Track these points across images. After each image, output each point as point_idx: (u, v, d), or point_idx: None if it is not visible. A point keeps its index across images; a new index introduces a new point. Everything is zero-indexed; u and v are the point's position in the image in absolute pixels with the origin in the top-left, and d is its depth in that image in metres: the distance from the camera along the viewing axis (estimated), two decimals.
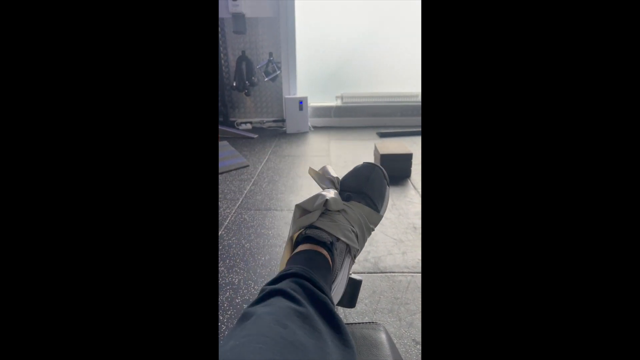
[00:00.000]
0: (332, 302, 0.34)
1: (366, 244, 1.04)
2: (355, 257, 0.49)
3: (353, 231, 0.47)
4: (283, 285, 0.33)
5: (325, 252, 0.42)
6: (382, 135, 2.23)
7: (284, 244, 0.48)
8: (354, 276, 0.53)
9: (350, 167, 1.70)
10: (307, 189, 1.42)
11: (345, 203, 0.48)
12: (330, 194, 0.46)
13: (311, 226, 0.45)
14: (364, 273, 0.91)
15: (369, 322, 0.40)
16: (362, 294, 0.83)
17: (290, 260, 0.41)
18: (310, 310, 0.31)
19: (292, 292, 0.32)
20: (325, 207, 0.45)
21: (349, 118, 2.46)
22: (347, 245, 0.46)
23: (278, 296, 0.32)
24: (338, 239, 0.45)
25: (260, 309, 0.29)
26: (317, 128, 2.42)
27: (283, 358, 0.24)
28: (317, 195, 0.45)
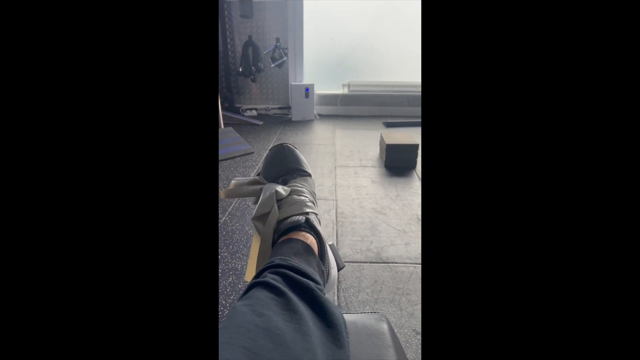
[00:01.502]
0: (317, 284, 0.34)
1: (369, 233, 1.04)
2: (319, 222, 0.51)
3: (310, 200, 0.49)
4: (264, 277, 0.33)
5: (302, 235, 0.42)
6: (389, 125, 2.20)
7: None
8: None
9: (355, 157, 1.68)
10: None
11: (288, 186, 0.49)
12: (270, 187, 0.47)
13: (279, 222, 0.45)
14: (366, 262, 0.91)
15: (372, 312, 0.40)
16: (364, 282, 0.84)
17: (271, 254, 0.42)
18: (290, 296, 0.31)
19: (272, 281, 0.32)
20: (276, 198, 0.46)
21: (355, 107, 2.43)
22: (315, 215, 0.47)
23: (258, 287, 0.32)
24: (307, 213, 0.45)
25: (239, 302, 0.30)
26: (322, 116, 2.40)
27: (255, 344, 0.24)
28: (264, 198, 0.45)
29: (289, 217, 0.44)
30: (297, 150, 0.56)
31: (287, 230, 0.43)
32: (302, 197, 0.47)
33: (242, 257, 0.93)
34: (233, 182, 0.52)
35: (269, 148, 0.56)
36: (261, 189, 0.49)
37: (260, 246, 0.45)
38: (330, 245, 0.52)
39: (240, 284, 0.83)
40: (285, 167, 0.53)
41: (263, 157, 0.57)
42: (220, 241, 1.00)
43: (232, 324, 0.26)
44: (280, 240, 0.43)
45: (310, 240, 0.42)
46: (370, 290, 0.82)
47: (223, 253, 0.94)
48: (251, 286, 0.32)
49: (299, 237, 0.42)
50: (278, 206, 0.45)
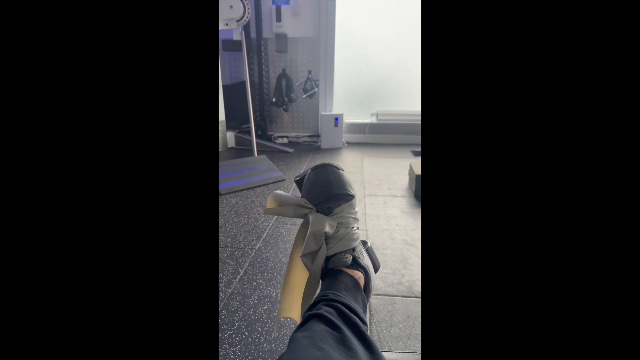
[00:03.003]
0: (365, 323, 0.37)
1: (401, 266, 1.05)
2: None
3: (355, 230, 0.49)
4: (318, 309, 0.36)
5: (349, 270, 0.45)
6: (417, 153, 2.21)
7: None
8: (363, 244, 0.53)
9: (384, 186, 1.69)
10: None
11: (334, 217, 0.49)
12: (319, 223, 0.47)
13: (327, 258, 0.47)
14: (398, 296, 0.92)
15: (415, 353, 0.42)
16: (397, 317, 0.84)
17: (323, 286, 0.44)
18: (345, 331, 0.33)
19: (328, 315, 0.35)
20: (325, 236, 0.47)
21: (383, 135, 2.48)
22: (359, 243, 0.49)
23: (314, 319, 0.35)
24: (354, 249, 0.47)
25: (299, 334, 0.33)
26: (350, 144, 2.46)
27: None
28: (312, 235, 0.46)
29: (337, 253, 0.46)
30: (341, 172, 0.54)
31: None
32: (349, 230, 0.48)
33: (276, 285, 0.96)
34: (274, 197, 0.51)
35: (312, 167, 0.54)
36: (306, 215, 0.50)
37: (307, 282, 0.48)
38: (367, 249, 0.53)
39: (275, 312, 0.86)
40: (330, 192, 0.51)
41: (307, 175, 0.53)
42: (255, 268, 1.04)
43: (295, 357, 0.29)
44: (328, 271, 0.46)
45: (358, 275, 0.45)
46: (403, 326, 0.82)
47: (258, 280, 0.98)
48: (308, 318, 0.36)
49: (348, 272, 0.45)
50: (326, 242, 0.47)
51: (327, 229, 0.47)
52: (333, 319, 0.35)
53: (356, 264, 0.46)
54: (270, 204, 0.52)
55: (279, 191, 0.53)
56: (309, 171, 0.54)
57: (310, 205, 0.51)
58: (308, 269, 0.47)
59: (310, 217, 0.48)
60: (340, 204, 0.51)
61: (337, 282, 0.44)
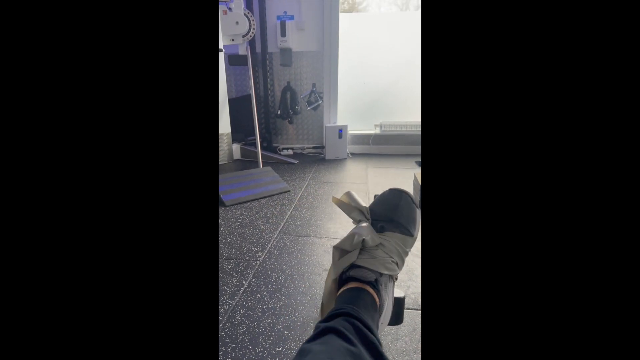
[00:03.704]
0: (380, 343, 0.36)
1: (406, 278, 1.03)
2: (396, 279, 0.51)
3: (393, 261, 0.48)
4: (336, 323, 0.36)
5: (370, 290, 0.44)
6: (421, 164, 2.21)
7: (325, 277, 0.50)
8: (396, 294, 0.53)
9: None
10: (345, 217, 1.45)
11: (381, 236, 0.49)
12: (364, 230, 0.47)
13: (353, 265, 0.46)
14: (404, 309, 0.90)
15: None
16: (403, 330, 0.83)
17: (339, 299, 0.44)
18: (361, 349, 0.33)
19: (344, 330, 0.35)
20: (362, 244, 0.47)
21: (387, 146, 2.49)
22: (390, 276, 0.48)
23: (331, 334, 0.34)
24: (381, 274, 0.47)
25: (315, 346, 0.33)
26: (355, 155, 2.47)
27: None
28: (353, 234, 0.47)
29: (362, 267, 0.46)
30: (414, 206, 0.53)
31: (355, 278, 0.46)
32: (386, 256, 0.47)
33: (280, 297, 0.95)
34: (348, 195, 0.53)
35: (392, 187, 0.55)
36: (359, 222, 0.51)
37: (329, 273, 0.48)
38: (398, 299, 0.52)
39: (279, 325, 0.85)
40: (391, 216, 0.51)
41: (381, 192, 0.55)
42: (259, 280, 1.04)
43: None
44: (349, 283, 0.46)
45: (376, 297, 0.45)
46: (409, 339, 0.80)
47: (262, 292, 0.98)
48: (324, 330, 0.36)
49: (368, 290, 0.45)
50: (361, 251, 0.47)
51: (368, 239, 0.47)
52: (350, 335, 0.35)
53: (375, 288, 0.46)
54: (343, 197, 0.54)
55: (354, 192, 0.56)
56: (388, 189, 0.56)
57: (368, 216, 0.52)
58: (333, 261, 0.47)
59: (360, 224, 0.49)
60: (394, 230, 0.50)
61: (357, 298, 0.43)
